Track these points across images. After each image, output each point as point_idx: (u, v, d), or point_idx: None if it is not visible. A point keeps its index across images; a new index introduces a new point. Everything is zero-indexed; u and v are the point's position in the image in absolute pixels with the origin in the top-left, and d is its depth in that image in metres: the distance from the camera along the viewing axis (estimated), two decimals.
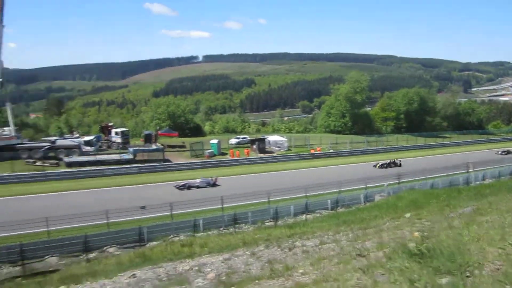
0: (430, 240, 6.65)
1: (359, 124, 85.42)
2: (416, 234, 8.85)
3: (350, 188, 36.42)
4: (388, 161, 49.98)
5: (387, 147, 66.58)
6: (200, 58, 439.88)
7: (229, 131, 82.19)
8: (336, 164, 50.34)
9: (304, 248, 14.24)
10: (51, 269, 21.20)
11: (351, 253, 8.64)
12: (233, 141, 62.49)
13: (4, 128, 49.11)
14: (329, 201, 32.28)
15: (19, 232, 23.11)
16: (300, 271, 8.72)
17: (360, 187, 37.08)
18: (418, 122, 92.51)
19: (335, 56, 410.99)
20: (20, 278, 19.88)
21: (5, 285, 18.89)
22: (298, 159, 53.86)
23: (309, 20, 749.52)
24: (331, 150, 60.67)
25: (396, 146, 67.73)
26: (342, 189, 35.58)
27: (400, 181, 39.59)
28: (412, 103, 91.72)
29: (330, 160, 53.98)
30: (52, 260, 22.13)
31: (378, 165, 48.79)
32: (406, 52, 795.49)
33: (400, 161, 49.99)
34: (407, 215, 17.08)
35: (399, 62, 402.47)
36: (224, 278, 11.35)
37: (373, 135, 77.56)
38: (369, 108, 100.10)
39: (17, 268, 21.07)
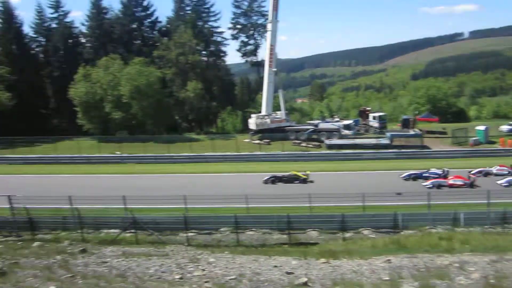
0: None
1: None
2: None
3: None
4: None
5: None
6: (466, 35, 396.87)
7: (500, 116, 72.34)
8: None
9: None
10: (311, 241, 23.33)
11: None
12: (505, 128, 54.61)
13: (277, 112, 56.24)
14: None
15: (286, 205, 26.14)
16: None
17: None
18: None
19: None
20: (286, 245, 22.62)
21: (274, 249, 21.81)
22: None
23: None
24: None
25: None
26: None
27: None
28: None
29: None
30: (312, 234, 24.26)
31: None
32: None
33: None
34: None
35: None
36: (492, 281, 10.31)
37: None
38: None
39: (284, 236, 23.94)
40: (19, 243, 21.77)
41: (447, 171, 34.81)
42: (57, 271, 13.79)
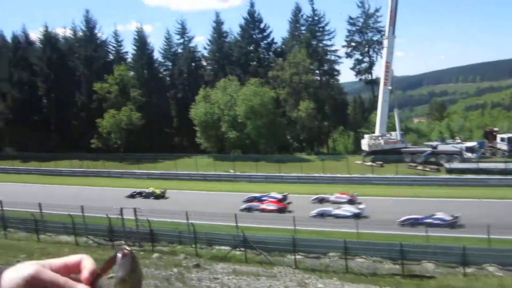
0: None
1: None
2: None
3: None
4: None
5: None
6: None
7: None
8: None
9: None
10: (427, 274, 21.74)
11: None
12: None
13: (391, 133, 54.02)
14: None
15: (397, 232, 24.83)
16: None
17: None
18: None
19: None
20: (399, 276, 21.38)
21: (386, 279, 20.77)
22: None
23: None
24: None
25: None
26: None
27: None
28: None
29: None
30: (428, 266, 22.56)
31: None
32: None
33: None
34: None
35: None
36: None
37: None
38: None
39: (397, 266, 22.64)
40: (141, 253, 23.75)
41: (286, 195, 35.19)
42: (174, 283, 14.76)
